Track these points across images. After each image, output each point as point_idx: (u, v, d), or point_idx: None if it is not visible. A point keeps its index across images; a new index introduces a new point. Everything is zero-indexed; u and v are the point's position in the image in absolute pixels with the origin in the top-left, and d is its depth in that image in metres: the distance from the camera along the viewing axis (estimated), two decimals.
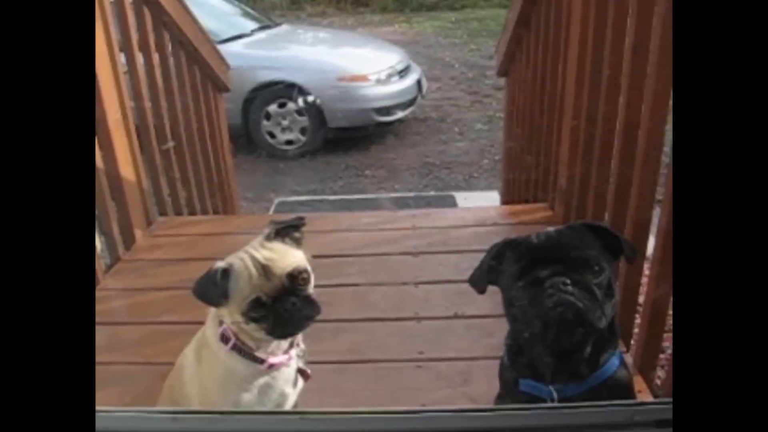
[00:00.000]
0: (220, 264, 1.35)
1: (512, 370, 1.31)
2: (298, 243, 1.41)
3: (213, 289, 1.32)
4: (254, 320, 1.32)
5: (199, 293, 1.34)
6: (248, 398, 1.40)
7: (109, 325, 2.27)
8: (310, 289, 1.36)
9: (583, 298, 1.15)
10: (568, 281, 1.16)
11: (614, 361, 1.27)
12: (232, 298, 1.32)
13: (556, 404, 1.21)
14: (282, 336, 1.37)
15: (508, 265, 1.25)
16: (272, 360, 1.40)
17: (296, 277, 1.33)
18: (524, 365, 1.29)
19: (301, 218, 1.43)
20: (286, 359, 1.43)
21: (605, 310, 1.18)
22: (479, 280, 1.31)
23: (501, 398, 1.38)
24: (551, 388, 1.24)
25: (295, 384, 1.47)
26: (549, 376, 1.25)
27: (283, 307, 1.31)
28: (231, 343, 1.39)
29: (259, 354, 1.40)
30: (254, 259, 1.33)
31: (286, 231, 1.40)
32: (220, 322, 1.41)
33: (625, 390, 1.30)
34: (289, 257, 1.35)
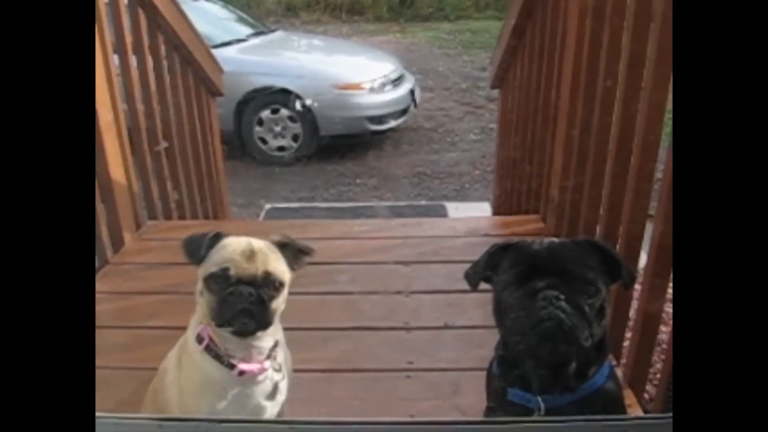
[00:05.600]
0: (215, 231, 1.38)
1: (501, 379, 1.30)
2: (292, 266, 1.41)
3: (199, 244, 1.35)
4: (209, 289, 1.32)
5: (187, 245, 1.37)
6: (223, 406, 1.38)
7: (95, 328, 2.24)
8: (274, 305, 1.35)
9: (573, 317, 1.15)
10: (562, 297, 1.15)
11: (603, 373, 1.27)
12: (208, 261, 1.34)
13: (548, 417, 1.20)
14: (216, 320, 1.33)
15: (505, 267, 1.24)
16: (243, 366, 1.37)
17: (270, 280, 1.33)
18: (513, 375, 1.28)
19: (312, 249, 1.45)
20: (258, 369, 1.40)
21: (593, 331, 1.18)
22: (474, 276, 1.30)
23: (490, 410, 1.37)
24: (539, 398, 1.23)
25: (272, 397, 1.44)
26: (537, 386, 1.24)
27: (238, 292, 1.30)
28: (204, 344, 1.38)
29: (231, 359, 1.38)
30: (249, 242, 1.35)
31: (291, 249, 1.41)
32: (200, 323, 1.40)
33: (614, 402, 1.30)
34: (277, 264, 1.36)
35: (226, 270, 1.31)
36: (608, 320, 1.25)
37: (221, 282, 1.31)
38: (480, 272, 1.29)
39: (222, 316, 1.32)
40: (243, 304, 1.30)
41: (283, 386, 1.47)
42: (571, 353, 1.19)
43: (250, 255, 1.33)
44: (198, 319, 1.42)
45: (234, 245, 1.35)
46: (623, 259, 1.27)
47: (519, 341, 1.20)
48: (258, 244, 1.36)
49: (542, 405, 1.23)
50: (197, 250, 1.35)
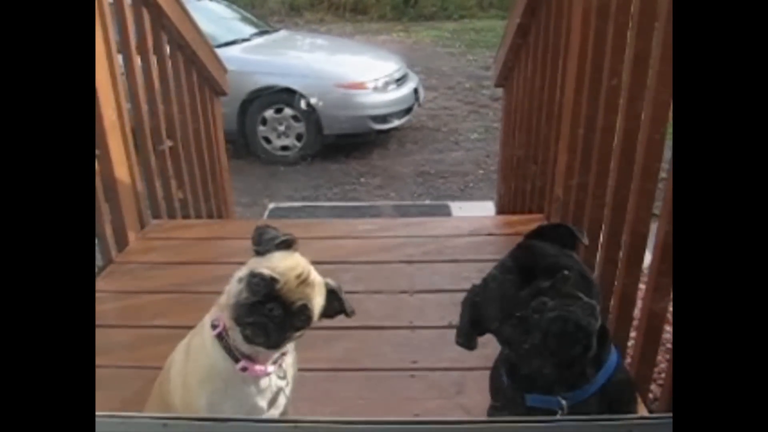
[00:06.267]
0: (292, 237, 1.39)
1: (515, 388, 1.29)
2: (324, 312, 1.41)
3: (272, 237, 1.37)
4: (248, 283, 1.31)
5: (261, 230, 1.40)
6: (222, 399, 1.38)
7: (99, 327, 2.25)
8: (291, 335, 1.35)
9: (568, 305, 1.13)
10: (546, 299, 1.13)
11: (613, 358, 1.26)
12: (265, 259, 1.34)
13: (551, 417, 1.20)
14: (234, 314, 1.32)
15: (487, 311, 1.23)
16: (246, 364, 1.37)
17: (303, 314, 1.33)
18: (528, 381, 1.26)
19: (353, 313, 1.46)
20: (260, 371, 1.39)
21: (592, 302, 1.15)
22: (466, 338, 1.29)
23: (495, 410, 1.36)
24: (559, 398, 1.22)
25: (272, 403, 1.44)
26: (559, 386, 1.22)
27: (269, 307, 1.29)
28: (217, 330, 1.38)
29: (237, 353, 1.37)
30: (309, 270, 1.35)
31: (336, 299, 1.42)
32: (222, 310, 1.39)
33: (629, 386, 1.30)
34: (317, 303, 1.36)
35: (274, 280, 1.30)
36: (595, 278, 1.23)
37: (262, 287, 1.30)
38: (470, 331, 1.28)
39: (241, 316, 1.31)
40: (265, 320, 1.29)
41: (286, 391, 1.47)
42: (590, 335, 1.15)
43: (302, 282, 1.32)
44: (221, 305, 1.41)
45: (294, 264, 1.34)
46: (562, 223, 1.24)
47: (531, 342, 1.17)
48: (315, 276, 1.36)
49: (564, 404, 1.21)
50: (267, 241, 1.36)
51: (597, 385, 1.22)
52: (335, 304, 1.42)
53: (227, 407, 1.38)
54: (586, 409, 1.19)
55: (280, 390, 1.44)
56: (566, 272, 1.16)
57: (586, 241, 1.29)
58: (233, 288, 1.34)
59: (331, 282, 1.42)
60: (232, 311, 1.32)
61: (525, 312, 1.14)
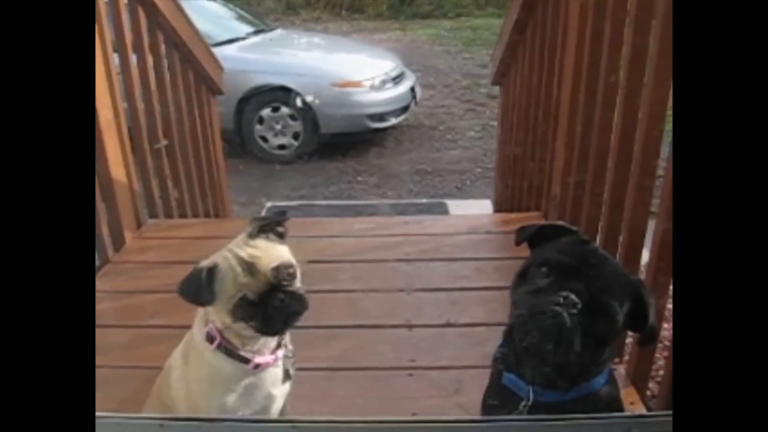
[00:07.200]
0: (205, 263, 1.31)
1: (500, 362, 1.30)
2: (281, 238, 1.38)
3: (198, 288, 1.29)
4: (242, 319, 1.30)
5: (185, 293, 1.30)
6: (234, 399, 1.38)
7: (96, 327, 2.24)
8: (297, 284, 1.34)
9: (575, 335, 1.11)
10: (580, 307, 1.12)
11: (599, 380, 1.24)
12: (218, 298, 1.30)
13: (551, 416, 1.19)
14: (272, 333, 1.35)
15: (550, 247, 1.22)
16: (258, 360, 1.38)
17: (282, 273, 1.31)
18: (512, 360, 1.26)
19: (283, 212, 1.42)
20: (273, 360, 1.40)
21: (584, 358, 1.14)
22: (522, 236, 1.29)
23: (488, 389, 1.37)
24: (530, 388, 1.22)
25: (281, 384, 1.45)
26: (529, 376, 1.23)
27: (271, 305, 1.29)
28: (216, 343, 1.37)
29: (245, 354, 1.37)
30: (239, 258, 1.30)
31: (269, 227, 1.37)
32: (207, 322, 1.39)
33: (608, 407, 1.26)
34: (274, 253, 1.33)
35: (243, 300, 1.28)
36: (606, 358, 1.23)
37: (248, 311, 1.29)
38: (527, 236, 1.28)
39: (274, 329, 1.33)
40: (285, 312, 1.30)
41: (293, 372, 1.48)
42: (554, 360, 1.15)
43: (251, 267, 1.29)
44: (204, 317, 1.40)
45: (231, 269, 1.29)
46: (654, 318, 1.22)
47: (517, 318, 1.17)
48: (246, 251, 1.31)
49: (531, 396, 1.21)
50: (199, 293, 1.29)
51: (568, 396, 1.21)
52: (272, 226, 1.38)
53: (241, 404, 1.39)
54: (548, 411, 1.18)
55: (287, 370, 1.46)
56: (612, 323, 1.14)
57: (644, 344, 1.30)
58: (235, 328, 1.34)
59: (248, 228, 1.37)
60: (263, 333, 1.34)
61: (558, 290, 1.13)
